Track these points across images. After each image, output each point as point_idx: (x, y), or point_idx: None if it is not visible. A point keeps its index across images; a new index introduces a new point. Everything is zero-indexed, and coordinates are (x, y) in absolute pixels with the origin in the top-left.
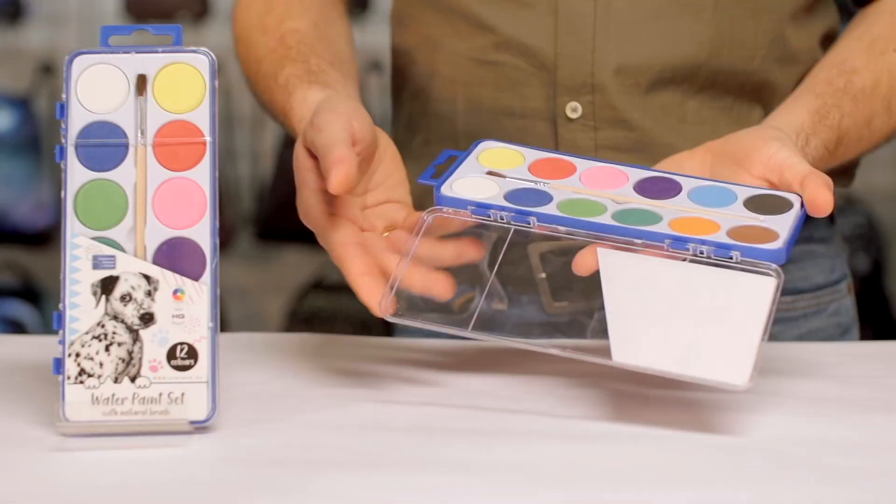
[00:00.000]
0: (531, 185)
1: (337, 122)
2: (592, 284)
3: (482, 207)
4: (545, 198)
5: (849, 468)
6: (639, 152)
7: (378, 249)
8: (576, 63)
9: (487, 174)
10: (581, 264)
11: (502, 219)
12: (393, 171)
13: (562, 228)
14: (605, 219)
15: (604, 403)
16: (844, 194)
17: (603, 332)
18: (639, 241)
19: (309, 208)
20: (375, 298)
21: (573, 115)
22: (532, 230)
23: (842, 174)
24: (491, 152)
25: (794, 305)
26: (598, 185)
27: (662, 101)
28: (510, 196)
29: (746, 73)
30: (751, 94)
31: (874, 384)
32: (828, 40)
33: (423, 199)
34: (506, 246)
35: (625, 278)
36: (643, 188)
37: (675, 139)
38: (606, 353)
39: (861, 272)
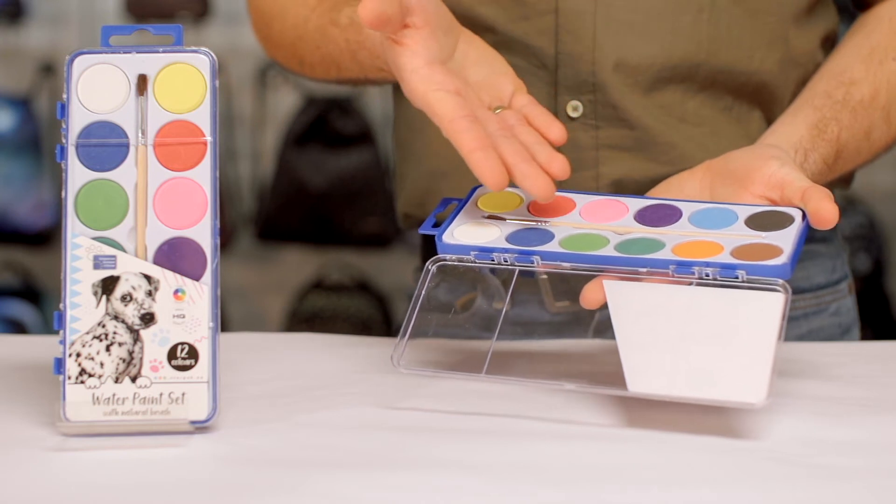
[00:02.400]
0: (532, 224)
1: None
2: None
3: (485, 252)
4: (547, 236)
5: (849, 468)
6: (639, 151)
7: (491, 128)
8: (576, 62)
9: (487, 218)
10: (589, 298)
11: (506, 261)
12: (487, 50)
13: (566, 265)
14: (609, 251)
15: (604, 404)
16: (845, 195)
17: (603, 330)
18: (644, 270)
19: (412, 86)
20: (491, 172)
21: (574, 114)
22: (536, 270)
23: (840, 178)
24: (490, 196)
25: (795, 305)
26: (598, 219)
27: (663, 100)
28: (512, 237)
29: (746, 74)
30: (750, 95)
31: (874, 384)
32: (828, 42)
33: (427, 195)
34: (512, 287)
35: (633, 308)
36: (644, 217)
37: (675, 138)
38: (622, 384)
39: (861, 272)
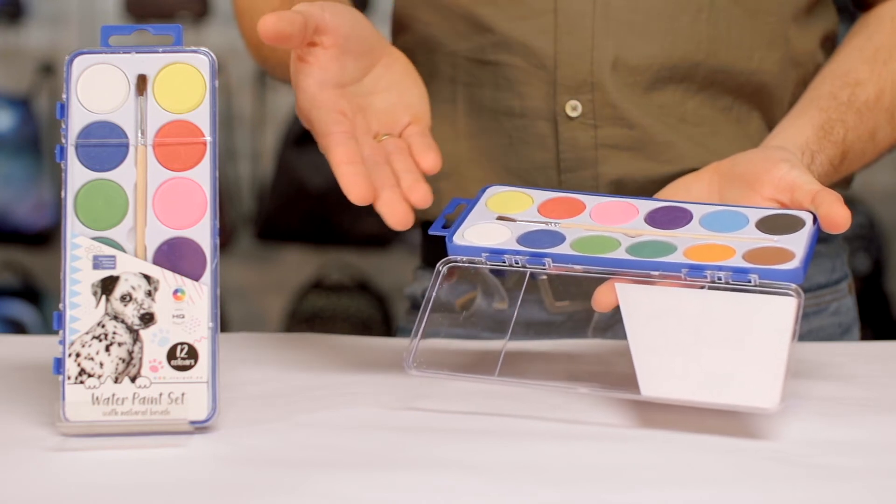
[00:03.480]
0: (543, 226)
1: (307, 4)
2: (593, 284)
3: (496, 253)
4: (558, 238)
5: (849, 468)
6: (638, 150)
7: (366, 153)
8: (575, 61)
9: (498, 219)
10: (600, 301)
11: (517, 263)
12: (406, 76)
13: (578, 267)
14: (620, 254)
15: (605, 404)
16: (844, 195)
17: (603, 330)
18: (656, 273)
19: (299, 103)
20: (355, 187)
21: (573, 114)
22: (548, 272)
23: (841, 178)
24: (499, 197)
25: None
26: (609, 221)
27: (662, 100)
28: (523, 239)
29: (745, 74)
30: (750, 95)
31: (874, 384)
32: (828, 42)
33: (437, 180)
34: (523, 289)
35: (645, 311)
36: (654, 219)
37: (674, 138)
38: (633, 385)
39: (861, 272)
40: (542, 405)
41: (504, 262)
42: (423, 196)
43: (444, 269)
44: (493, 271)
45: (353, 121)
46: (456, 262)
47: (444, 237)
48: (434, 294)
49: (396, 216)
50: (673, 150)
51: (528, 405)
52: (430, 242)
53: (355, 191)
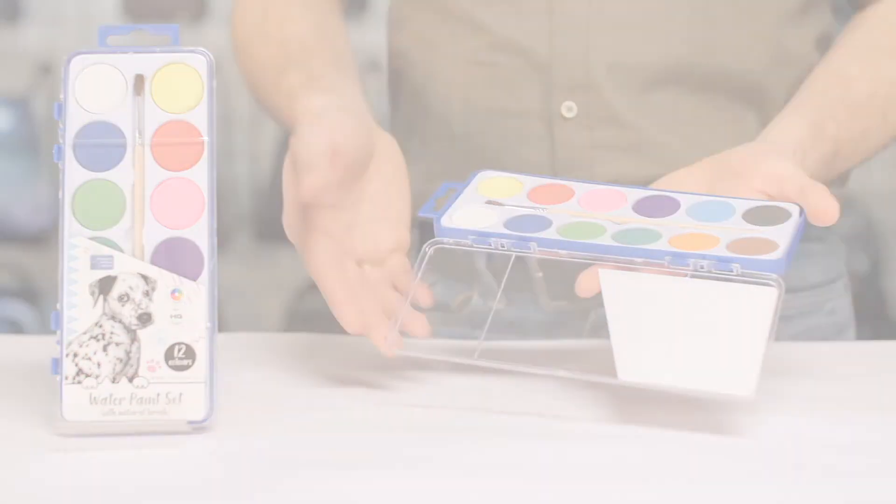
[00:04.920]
0: (530, 211)
1: (318, 134)
2: None
3: (483, 236)
4: (545, 223)
5: (845, 468)
6: (634, 151)
7: (350, 275)
8: (570, 62)
9: (487, 203)
10: (583, 286)
11: (503, 246)
12: (393, 181)
13: (563, 252)
14: (605, 240)
15: (604, 403)
16: (842, 195)
17: (599, 329)
18: (639, 260)
19: (289, 223)
20: (352, 318)
21: (568, 115)
22: (533, 256)
23: (837, 178)
24: (490, 181)
25: (790, 304)
26: (596, 208)
27: (657, 101)
28: (510, 223)
29: (741, 75)
30: (746, 96)
31: (872, 383)
32: (823, 42)
33: (424, 197)
34: (507, 273)
35: (627, 297)
36: (642, 208)
37: (670, 139)
38: (612, 372)
39: (859, 272)
40: (540, 404)
41: (490, 246)
42: (423, 327)
43: (431, 251)
44: (486, 265)
45: (341, 244)
46: (443, 243)
47: (431, 229)
48: (419, 275)
49: (390, 347)
50: (668, 151)
51: (527, 404)
52: (427, 241)
53: (352, 322)
